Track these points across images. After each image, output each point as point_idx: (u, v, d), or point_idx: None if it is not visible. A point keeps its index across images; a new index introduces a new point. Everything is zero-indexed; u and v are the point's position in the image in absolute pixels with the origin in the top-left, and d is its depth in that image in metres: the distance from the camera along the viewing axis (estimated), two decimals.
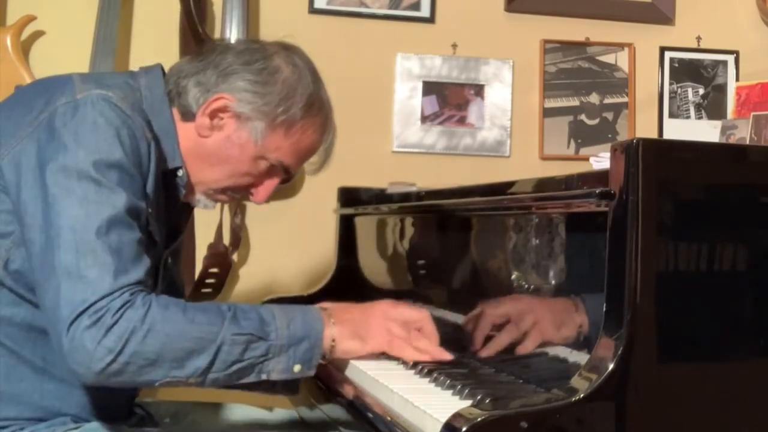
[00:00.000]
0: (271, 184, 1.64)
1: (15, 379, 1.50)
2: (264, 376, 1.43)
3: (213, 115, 1.57)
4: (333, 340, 1.49)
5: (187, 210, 1.72)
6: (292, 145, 1.59)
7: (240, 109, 1.56)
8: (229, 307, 1.44)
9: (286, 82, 1.58)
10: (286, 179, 1.69)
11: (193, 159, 1.59)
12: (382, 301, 1.61)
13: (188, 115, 1.58)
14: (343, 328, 1.51)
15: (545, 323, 1.42)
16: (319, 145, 1.64)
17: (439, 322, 1.76)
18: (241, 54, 1.59)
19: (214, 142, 1.58)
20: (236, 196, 1.68)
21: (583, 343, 1.31)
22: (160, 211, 1.56)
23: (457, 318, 1.75)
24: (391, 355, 1.56)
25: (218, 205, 1.72)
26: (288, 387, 1.61)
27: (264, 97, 1.56)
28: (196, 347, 1.38)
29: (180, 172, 1.58)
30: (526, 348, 1.45)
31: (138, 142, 1.47)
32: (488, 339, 1.57)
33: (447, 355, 1.54)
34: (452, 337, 1.69)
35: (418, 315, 1.58)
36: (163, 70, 1.64)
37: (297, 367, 1.45)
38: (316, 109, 1.61)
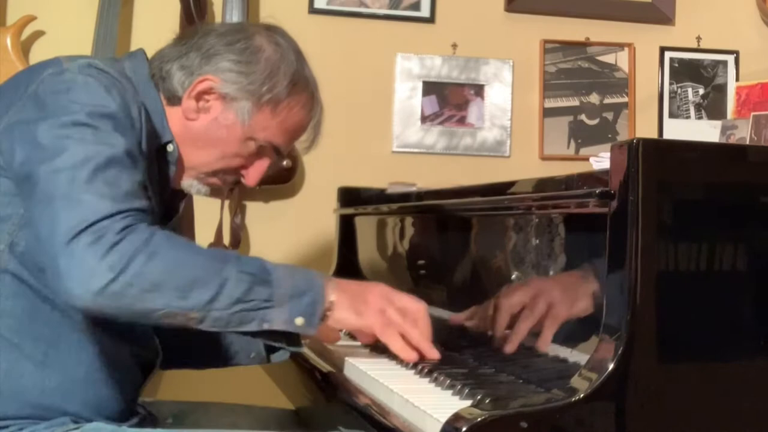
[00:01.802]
0: (261, 165, 1.64)
1: (16, 374, 1.49)
2: (266, 326, 1.40)
3: (198, 97, 1.58)
4: (332, 303, 1.46)
5: (181, 192, 1.71)
6: (280, 123, 1.60)
7: (225, 89, 1.57)
8: (232, 251, 1.42)
9: (269, 61, 1.59)
10: (281, 166, 1.68)
11: (182, 143, 1.60)
12: (380, 283, 1.56)
13: (174, 99, 1.60)
14: (342, 297, 1.48)
15: (559, 302, 1.40)
16: (307, 123, 1.65)
17: (439, 322, 1.76)
18: (223, 35, 1.60)
19: (201, 124, 1.59)
20: (228, 178, 1.67)
21: (584, 343, 1.31)
22: (154, 187, 1.56)
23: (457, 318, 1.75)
24: (378, 342, 1.54)
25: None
26: (291, 340, 1.51)
27: (248, 76, 1.57)
28: (201, 276, 1.35)
29: (170, 147, 1.58)
30: (547, 331, 1.41)
31: (129, 103, 1.47)
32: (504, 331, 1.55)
33: (435, 354, 1.50)
34: (452, 335, 1.69)
35: (416, 306, 1.53)
36: (145, 54, 1.65)
37: (299, 320, 1.42)
38: (301, 86, 1.62)
